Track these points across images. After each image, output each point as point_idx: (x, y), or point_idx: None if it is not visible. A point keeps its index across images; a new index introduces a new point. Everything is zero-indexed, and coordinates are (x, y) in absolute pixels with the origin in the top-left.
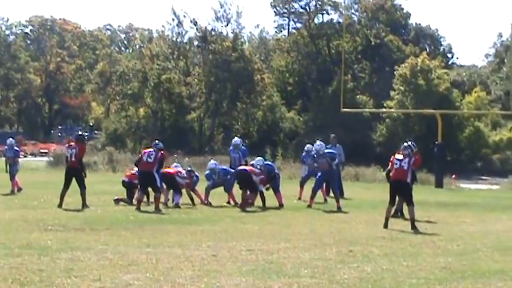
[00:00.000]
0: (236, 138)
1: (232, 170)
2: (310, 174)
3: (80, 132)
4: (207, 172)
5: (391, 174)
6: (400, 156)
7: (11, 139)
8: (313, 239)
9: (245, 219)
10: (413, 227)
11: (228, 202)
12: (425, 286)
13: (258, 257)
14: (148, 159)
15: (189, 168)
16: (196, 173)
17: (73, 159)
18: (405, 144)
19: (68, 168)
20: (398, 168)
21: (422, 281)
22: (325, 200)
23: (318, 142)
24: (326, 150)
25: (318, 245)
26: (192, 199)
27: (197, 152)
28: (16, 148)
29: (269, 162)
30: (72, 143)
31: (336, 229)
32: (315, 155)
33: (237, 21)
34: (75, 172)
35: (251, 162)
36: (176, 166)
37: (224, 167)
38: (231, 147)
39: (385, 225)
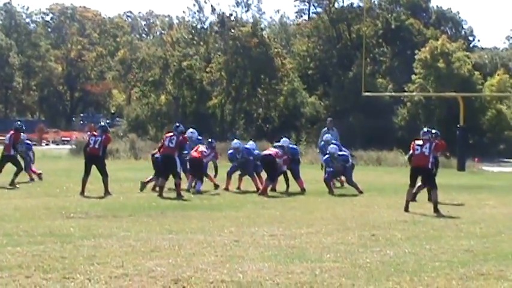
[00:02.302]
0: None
1: (256, 152)
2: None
3: (103, 123)
4: (230, 151)
5: (412, 159)
6: (420, 142)
7: (22, 134)
8: (335, 223)
9: (267, 204)
10: (436, 210)
11: (238, 187)
12: (448, 269)
13: (281, 242)
14: (170, 144)
15: (209, 140)
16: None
17: (96, 146)
18: (424, 129)
19: (89, 155)
20: (420, 154)
21: (445, 264)
22: (342, 184)
23: (331, 146)
24: (339, 153)
25: (340, 230)
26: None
27: (219, 138)
28: (28, 141)
29: (294, 146)
30: (95, 133)
31: (358, 213)
32: (328, 157)
33: (258, 7)
34: (97, 159)
35: (276, 144)
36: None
37: (247, 146)
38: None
39: (406, 208)
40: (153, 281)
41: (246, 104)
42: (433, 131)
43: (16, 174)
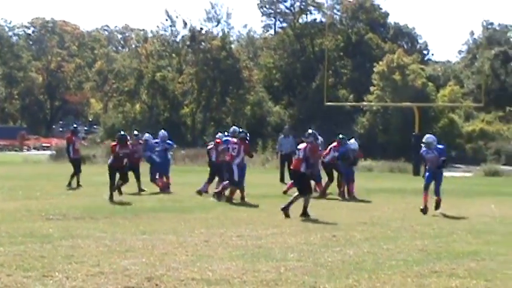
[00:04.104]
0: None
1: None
2: None
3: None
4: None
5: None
6: (301, 146)
7: None
8: (299, 225)
9: (235, 207)
10: (304, 213)
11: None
12: (403, 267)
13: (248, 242)
14: (233, 152)
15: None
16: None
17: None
18: (309, 131)
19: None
20: (296, 157)
21: (401, 262)
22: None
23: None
24: None
25: (304, 231)
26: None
27: (190, 145)
28: None
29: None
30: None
31: (320, 215)
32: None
33: (227, 22)
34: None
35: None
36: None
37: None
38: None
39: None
40: (127, 279)
41: (216, 112)
42: (310, 131)
43: None
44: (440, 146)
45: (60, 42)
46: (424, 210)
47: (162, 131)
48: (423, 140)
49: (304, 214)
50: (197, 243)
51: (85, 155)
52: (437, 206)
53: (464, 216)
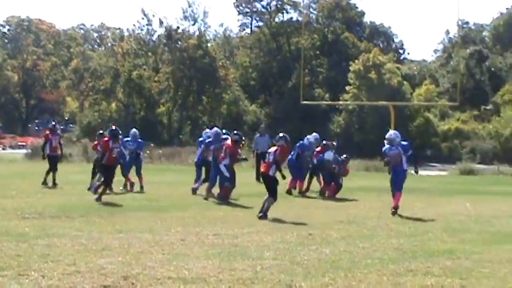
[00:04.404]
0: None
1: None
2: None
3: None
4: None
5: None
6: (272, 149)
7: None
8: (275, 223)
9: (211, 206)
10: (263, 216)
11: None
12: (379, 266)
13: (224, 241)
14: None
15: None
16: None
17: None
18: (280, 134)
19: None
20: (266, 161)
21: (377, 261)
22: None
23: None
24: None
25: (280, 229)
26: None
27: (167, 143)
28: None
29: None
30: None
31: (296, 214)
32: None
33: (204, 20)
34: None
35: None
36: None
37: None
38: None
39: (263, 216)
40: (103, 278)
41: (192, 111)
42: (281, 134)
43: None
44: (404, 143)
45: (36, 41)
46: (395, 210)
47: (134, 129)
48: (386, 137)
49: (264, 215)
50: (173, 242)
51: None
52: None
53: (439, 215)
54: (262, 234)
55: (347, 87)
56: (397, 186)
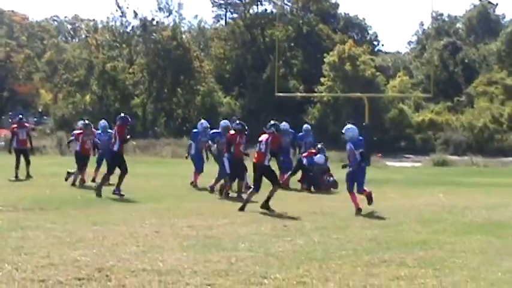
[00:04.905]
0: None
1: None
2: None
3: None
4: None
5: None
6: (262, 137)
7: None
8: (250, 215)
9: (186, 197)
10: (265, 206)
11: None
12: (353, 257)
13: (198, 232)
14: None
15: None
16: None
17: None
18: (271, 122)
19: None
20: (258, 151)
21: (351, 252)
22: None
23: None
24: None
25: (255, 221)
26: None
27: (141, 136)
28: None
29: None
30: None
31: (271, 205)
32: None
33: (178, 12)
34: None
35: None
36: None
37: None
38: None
39: (242, 208)
40: (77, 270)
41: (167, 103)
42: (272, 122)
43: None
44: (360, 138)
45: (9, 33)
46: (359, 211)
47: (103, 120)
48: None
49: (267, 206)
50: (148, 233)
51: (35, 146)
52: (369, 201)
53: (413, 206)
54: (237, 225)
55: (322, 79)
56: (359, 187)
